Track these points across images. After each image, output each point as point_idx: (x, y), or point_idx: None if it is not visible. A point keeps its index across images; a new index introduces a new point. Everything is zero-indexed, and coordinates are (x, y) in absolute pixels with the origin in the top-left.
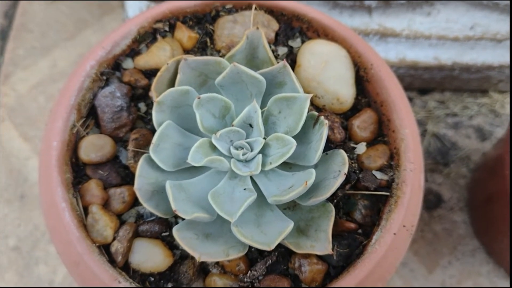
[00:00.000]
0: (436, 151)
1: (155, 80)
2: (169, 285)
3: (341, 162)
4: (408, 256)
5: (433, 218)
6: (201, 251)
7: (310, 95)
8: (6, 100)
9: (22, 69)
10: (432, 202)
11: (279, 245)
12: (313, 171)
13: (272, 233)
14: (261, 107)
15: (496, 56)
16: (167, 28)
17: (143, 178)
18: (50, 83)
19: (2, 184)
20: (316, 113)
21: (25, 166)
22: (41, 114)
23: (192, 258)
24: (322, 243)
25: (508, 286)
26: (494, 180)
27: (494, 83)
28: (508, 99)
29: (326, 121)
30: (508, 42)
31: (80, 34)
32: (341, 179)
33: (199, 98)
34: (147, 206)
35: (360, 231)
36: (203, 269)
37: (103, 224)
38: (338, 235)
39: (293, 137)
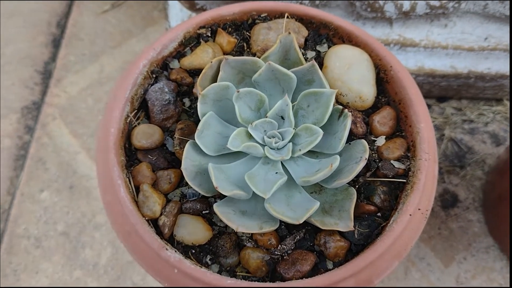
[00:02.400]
0: (453, 154)
1: (200, 76)
2: (208, 257)
3: (362, 149)
4: (426, 251)
5: (449, 216)
6: (238, 223)
7: (336, 90)
8: (58, 101)
9: (73, 74)
10: (449, 201)
11: (306, 224)
12: (337, 156)
13: (300, 211)
14: (292, 102)
15: (509, 66)
16: (209, 34)
17: (189, 160)
18: (98, 86)
19: (53, 175)
20: (341, 107)
21: (74, 159)
22: (90, 114)
23: (229, 233)
24: (345, 221)
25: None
26: (503, 180)
27: (508, 91)
28: None
29: (350, 113)
30: None
31: (125, 43)
32: (362, 163)
33: (238, 91)
34: (192, 184)
35: (379, 214)
36: (238, 244)
37: (153, 201)
38: (359, 217)
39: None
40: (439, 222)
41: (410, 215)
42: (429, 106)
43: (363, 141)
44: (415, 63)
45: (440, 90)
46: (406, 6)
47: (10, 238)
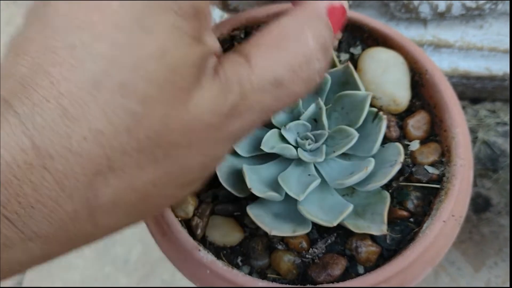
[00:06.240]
0: (486, 157)
1: None
2: (239, 259)
3: (397, 153)
4: (456, 255)
5: (481, 220)
6: (272, 226)
7: (371, 93)
8: None
9: None
10: (480, 205)
11: (338, 227)
12: (372, 159)
13: (333, 213)
14: (325, 104)
15: None
16: (242, 35)
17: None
18: None
19: None
20: (375, 109)
21: None
22: None
23: (260, 236)
24: (378, 224)
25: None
26: None
27: None
28: None
29: (385, 116)
30: None
31: None
32: (397, 167)
33: None
34: (225, 185)
35: (411, 219)
36: (269, 246)
37: (186, 202)
38: (391, 222)
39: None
40: (470, 226)
41: (444, 221)
42: (462, 107)
43: (398, 144)
44: (449, 64)
45: (474, 91)
46: (442, 7)
47: None
